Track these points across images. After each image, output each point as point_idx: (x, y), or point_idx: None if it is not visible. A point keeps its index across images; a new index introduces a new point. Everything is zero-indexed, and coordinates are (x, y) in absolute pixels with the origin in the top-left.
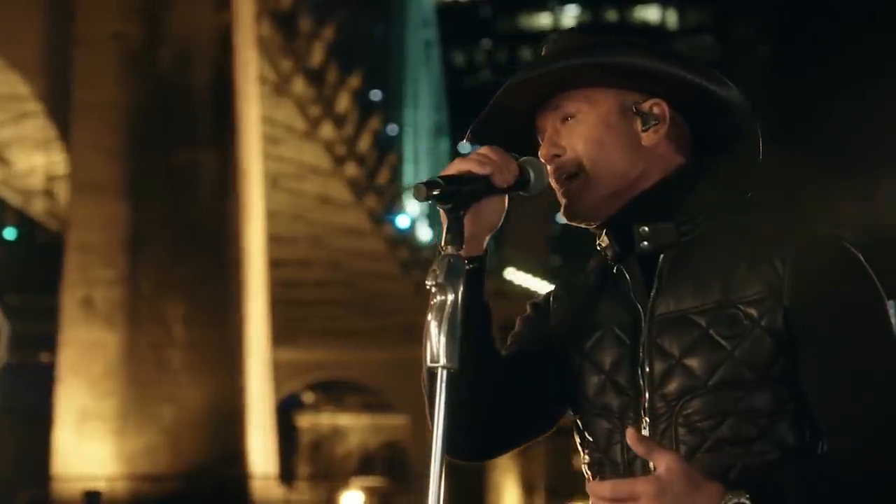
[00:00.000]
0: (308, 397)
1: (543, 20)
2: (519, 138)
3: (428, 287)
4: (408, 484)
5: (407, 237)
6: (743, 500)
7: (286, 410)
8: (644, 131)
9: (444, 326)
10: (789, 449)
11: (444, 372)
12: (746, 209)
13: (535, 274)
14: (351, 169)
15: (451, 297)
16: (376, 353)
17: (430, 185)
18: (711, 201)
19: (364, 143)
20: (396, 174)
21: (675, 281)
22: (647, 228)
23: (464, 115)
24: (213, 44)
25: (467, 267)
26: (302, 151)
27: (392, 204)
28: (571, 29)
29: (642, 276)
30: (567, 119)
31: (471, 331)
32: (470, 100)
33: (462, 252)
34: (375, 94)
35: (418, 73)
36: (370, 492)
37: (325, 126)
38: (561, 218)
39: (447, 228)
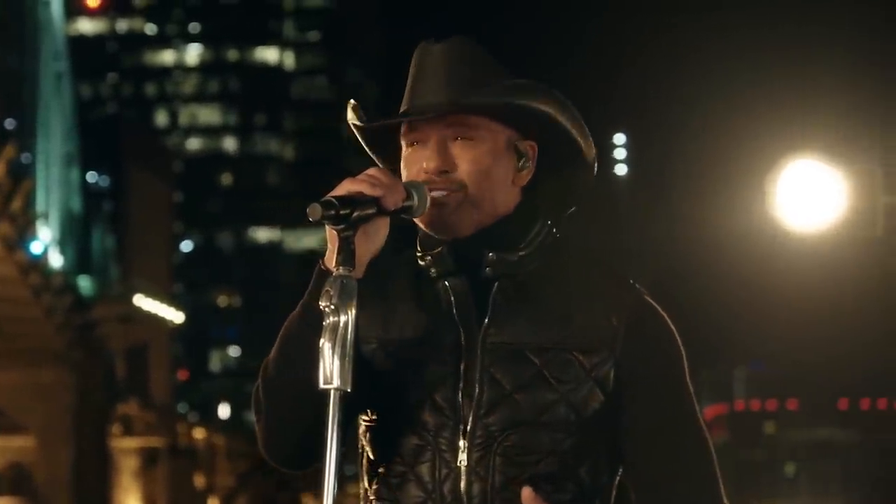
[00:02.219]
0: None
1: (167, 57)
2: (382, 136)
3: (322, 308)
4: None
5: (39, 263)
6: None
7: None
8: (519, 170)
9: (338, 348)
10: (587, 489)
11: (336, 393)
12: (571, 246)
13: (161, 300)
14: None
15: (343, 318)
16: (4, 376)
17: (325, 205)
18: (547, 237)
19: None
20: (30, 201)
21: (510, 312)
22: (495, 255)
23: (92, 145)
24: None
25: None
26: None
27: (25, 230)
28: (464, 44)
29: (473, 300)
30: (459, 138)
31: None
32: (96, 131)
33: (353, 273)
34: (10, 123)
35: (51, 103)
36: None
37: None
38: (188, 246)
39: (339, 249)
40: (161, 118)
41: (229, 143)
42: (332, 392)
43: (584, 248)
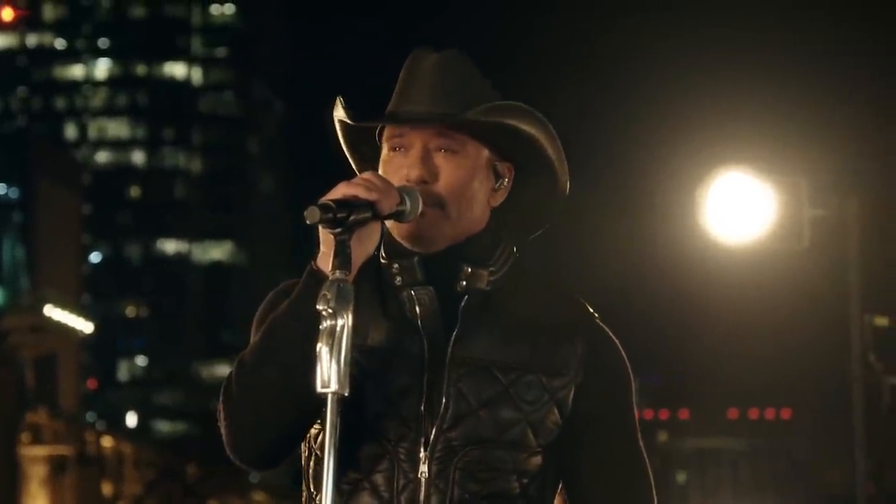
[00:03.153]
0: None
1: (77, 71)
2: (361, 134)
3: (320, 311)
4: None
5: None
6: None
7: None
8: (495, 190)
9: (335, 352)
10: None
11: (334, 397)
12: (525, 265)
13: (70, 310)
14: None
15: (340, 322)
16: None
17: (322, 208)
18: (510, 256)
19: None
20: None
21: (478, 327)
22: (470, 270)
23: (2, 158)
24: None
25: None
26: None
27: None
28: (458, 57)
29: (440, 313)
30: (443, 150)
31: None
32: (6, 144)
33: (349, 277)
34: None
35: None
36: None
37: None
38: (96, 258)
39: (335, 253)
40: (70, 131)
41: (137, 157)
42: (329, 396)
43: (534, 267)
